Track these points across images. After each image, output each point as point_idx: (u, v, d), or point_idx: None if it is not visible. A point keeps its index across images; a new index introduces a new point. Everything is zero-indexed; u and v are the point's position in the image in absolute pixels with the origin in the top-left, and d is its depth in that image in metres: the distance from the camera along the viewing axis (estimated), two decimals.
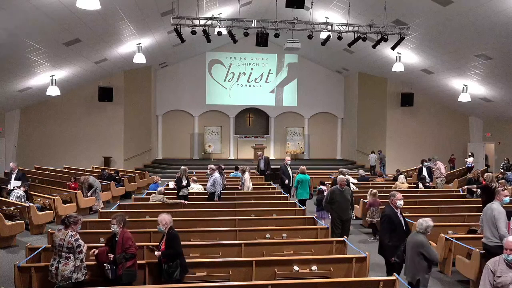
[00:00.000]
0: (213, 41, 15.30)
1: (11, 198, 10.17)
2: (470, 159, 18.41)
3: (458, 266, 6.64)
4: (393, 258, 5.81)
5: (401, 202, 6.08)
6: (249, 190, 12.26)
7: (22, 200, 10.06)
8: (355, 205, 9.87)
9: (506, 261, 4.05)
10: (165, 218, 5.36)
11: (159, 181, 12.88)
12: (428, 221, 5.27)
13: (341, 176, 8.10)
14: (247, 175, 12.48)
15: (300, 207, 9.96)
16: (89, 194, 11.87)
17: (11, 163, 11.70)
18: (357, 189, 12.34)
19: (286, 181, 12.40)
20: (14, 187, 10.71)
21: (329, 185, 10.65)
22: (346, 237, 7.03)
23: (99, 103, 19.38)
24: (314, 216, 8.64)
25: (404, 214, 8.77)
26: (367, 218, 9.64)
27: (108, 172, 15.39)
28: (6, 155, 18.23)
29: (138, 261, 5.76)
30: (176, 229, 7.43)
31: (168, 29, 15.12)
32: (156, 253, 5.34)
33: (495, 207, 5.87)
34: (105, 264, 5.19)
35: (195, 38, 13.53)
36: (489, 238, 5.79)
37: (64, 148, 19.47)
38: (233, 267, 5.69)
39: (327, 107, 25.18)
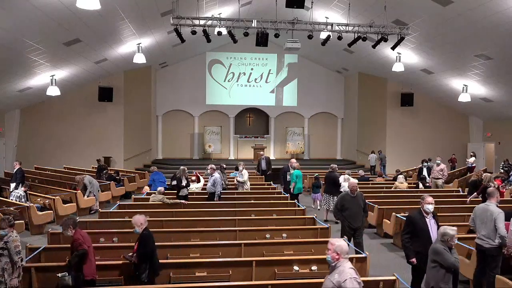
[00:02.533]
0: (213, 41, 15.29)
1: (11, 198, 10.18)
2: (472, 159, 18.40)
3: None
4: (412, 260, 5.54)
5: (429, 206, 5.58)
6: (248, 185, 12.50)
7: (22, 200, 10.06)
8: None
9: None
10: (139, 219, 5.27)
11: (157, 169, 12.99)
12: (446, 228, 4.92)
13: (352, 180, 7.48)
14: (245, 171, 12.59)
15: (299, 207, 9.97)
16: (85, 196, 11.83)
17: (15, 162, 11.88)
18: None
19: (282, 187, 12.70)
20: (13, 189, 10.78)
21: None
22: (363, 251, 6.74)
23: (99, 103, 19.37)
24: (314, 216, 8.64)
25: (404, 214, 8.86)
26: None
27: (105, 166, 15.46)
28: (6, 155, 18.23)
29: None
30: (176, 229, 7.51)
31: (168, 29, 15.11)
32: (128, 255, 5.30)
33: (493, 209, 5.76)
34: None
35: (195, 38, 13.53)
36: (484, 240, 5.75)
37: (64, 148, 19.46)
38: (233, 267, 5.69)
39: (327, 107, 25.19)
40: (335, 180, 11.00)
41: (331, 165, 11.70)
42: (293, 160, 12.73)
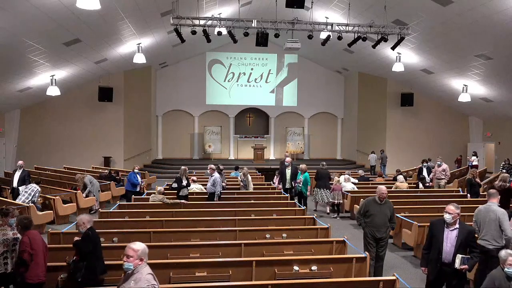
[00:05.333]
0: (213, 41, 15.30)
1: (26, 190, 10.01)
2: (473, 158, 18.66)
3: None
4: (422, 269, 5.32)
5: (446, 215, 5.01)
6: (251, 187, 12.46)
7: (37, 195, 9.95)
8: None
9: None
10: (82, 219, 5.15)
11: (136, 169, 12.91)
12: (502, 252, 4.45)
13: (381, 186, 6.79)
14: (249, 177, 12.55)
15: (300, 207, 9.97)
16: (83, 194, 11.80)
17: (20, 161, 11.44)
18: (356, 189, 12.41)
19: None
20: (17, 187, 10.56)
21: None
22: (382, 266, 6.30)
23: (99, 103, 19.39)
24: (314, 216, 8.64)
25: (404, 214, 8.85)
26: (330, 200, 11.82)
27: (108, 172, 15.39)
28: (6, 155, 18.22)
29: None
30: (176, 229, 7.50)
31: (168, 29, 15.12)
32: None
33: (496, 208, 5.71)
34: None
35: (195, 38, 13.54)
36: (488, 241, 5.72)
37: (64, 148, 19.47)
38: (233, 267, 5.68)
39: (327, 107, 25.20)
40: (328, 175, 12.26)
41: (322, 162, 12.97)
42: (288, 159, 12.76)
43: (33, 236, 5.15)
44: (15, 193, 10.68)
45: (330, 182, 12.23)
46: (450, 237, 5.00)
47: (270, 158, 24.33)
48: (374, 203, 6.59)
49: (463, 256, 4.86)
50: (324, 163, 12.77)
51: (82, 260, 5.04)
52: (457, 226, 5.03)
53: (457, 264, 4.86)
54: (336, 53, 20.43)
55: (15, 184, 10.86)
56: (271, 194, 11.77)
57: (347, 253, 6.65)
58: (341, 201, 11.78)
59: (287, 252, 6.51)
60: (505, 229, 5.55)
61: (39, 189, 10.20)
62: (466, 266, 4.83)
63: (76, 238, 5.20)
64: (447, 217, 5.01)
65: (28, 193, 9.90)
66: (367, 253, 6.03)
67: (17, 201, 9.85)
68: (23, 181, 10.84)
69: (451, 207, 5.02)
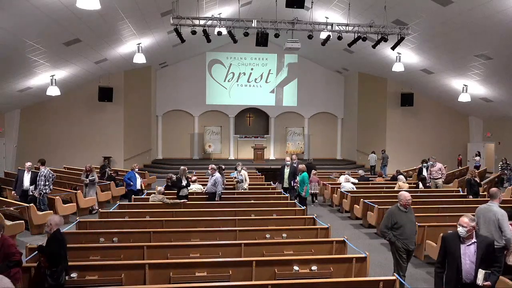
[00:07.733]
0: (213, 41, 15.30)
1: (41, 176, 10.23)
2: (477, 158, 18.90)
3: None
4: None
5: (460, 229, 4.40)
6: (246, 185, 12.50)
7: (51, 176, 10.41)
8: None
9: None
10: (51, 220, 5.06)
11: (136, 168, 12.90)
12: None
13: (404, 192, 6.12)
14: (244, 172, 12.56)
15: (300, 207, 9.97)
16: (87, 180, 11.87)
17: (29, 163, 11.15)
18: (355, 189, 12.40)
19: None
20: (28, 188, 10.41)
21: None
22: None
23: (99, 103, 19.38)
24: (314, 216, 8.63)
25: None
26: (310, 191, 12.58)
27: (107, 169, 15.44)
28: (6, 155, 18.22)
29: (139, 261, 5.76)
30: (176, 229, 7.50)
31: (168, 29, 15.12)
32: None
33: (496, 209, 5.71)
34: None
35: (195, 38, 13.53)
36: None
37: (64, 148, 19.46)
38: (233, 267, 5.68)
39: (327, 107, 25.21)
40: (312, 169, 13.60)
41: (310, 158, 14.22)
42: (288, 158, 12.80)
43: (10, 239, 5.15)
44: (25, 194, 10.47)
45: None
46: (468, 253, 4.38)
47: (270, 158, 24.34)
48: (400, 212, 5.96)
49: (486, 271, 4.31)
50: (312, 159, 13.96)
51: (56, 264, 4.90)
52: (474, 239, 4.41)
53: (479, 281, 4.30)
54: (336, 53, 20.43)
55: (26, 185, 10.56)
56: (271, 194, 11.78)
57: (347, 253, 6.65)
58: (317, 191, 13.68)
59: (287, 252, 6.51)
60: (504, 230, 5.56)
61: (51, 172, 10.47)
62: (489, 283, 4.27)
63: (39, 244, 5.07)
64: (460, 230, 4.40)
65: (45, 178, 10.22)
66: (367, 253, 6.01)
67: (36, 190, 10.26)
68: (34, 182, 10.56)
69: (465, 219, 4.40)
